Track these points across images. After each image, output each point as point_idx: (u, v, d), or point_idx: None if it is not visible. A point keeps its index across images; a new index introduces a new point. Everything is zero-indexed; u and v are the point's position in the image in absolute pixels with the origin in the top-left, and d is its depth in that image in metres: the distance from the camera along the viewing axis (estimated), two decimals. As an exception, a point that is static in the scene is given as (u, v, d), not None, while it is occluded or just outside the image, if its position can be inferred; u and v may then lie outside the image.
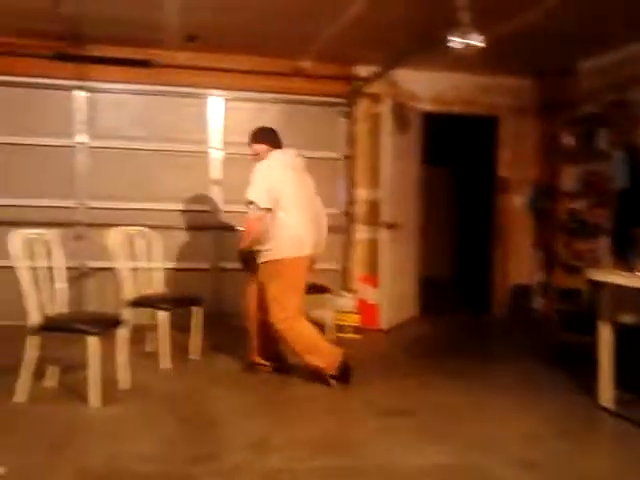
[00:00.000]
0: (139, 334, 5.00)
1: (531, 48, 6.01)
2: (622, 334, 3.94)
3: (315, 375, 4.27)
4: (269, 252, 4.31)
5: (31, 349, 3.72)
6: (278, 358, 4.59)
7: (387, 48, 5.78)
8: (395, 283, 6.48)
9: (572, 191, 6.66)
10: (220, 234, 6.56)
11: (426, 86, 7.01)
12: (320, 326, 6.14)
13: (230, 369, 4.64)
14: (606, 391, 3.93)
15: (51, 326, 3.84)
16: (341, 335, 5.96)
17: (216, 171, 6.62)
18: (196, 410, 3.83)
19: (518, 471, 3.04)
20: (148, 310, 4.87)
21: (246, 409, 3.79)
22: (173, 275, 5.97)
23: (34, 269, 3.82)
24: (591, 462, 3.22)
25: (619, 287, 3.70)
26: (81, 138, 6.31)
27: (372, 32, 5.61)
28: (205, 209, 6.59)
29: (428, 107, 7.05)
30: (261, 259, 4.35)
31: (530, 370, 5.00)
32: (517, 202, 7.37)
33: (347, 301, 6.33)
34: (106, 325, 3.94)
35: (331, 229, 6.82)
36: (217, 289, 6.55)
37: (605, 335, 3.94)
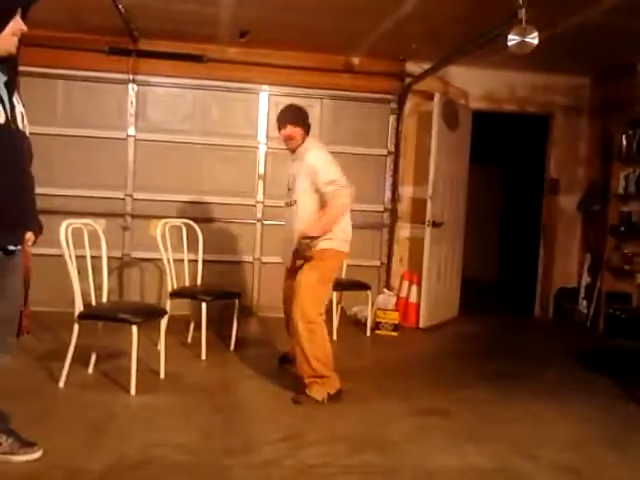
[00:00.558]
0: (180, 325, 5.08)
1: (589, 46, 5.87)
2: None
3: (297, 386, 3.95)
4: (327, 241, 3.93)
5: (74, 336, 3.81)
6: None
7: (440, 45, 5.72)
8: (437, 282, 6.43)
9: (624, 194, 6.48)
10: (263, 227, 6.62)
11: (477, 84, 6.92)
12: (359, 323, 6.20)
13: (267, 362, 4.67)
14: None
15: (95, 314, 3.94)
16: (379, 332, 5.94)
17: (262, 166, 6.67)
18: (232, 402, 3.87)
19: (556, 476, 3.00)
20: (189, 301, 4.94)
21: (281, 403, 3.80)
22: (215, 267, 6.04)
23: (81, 258, 3.90)
24: (632, 472, 3.14)
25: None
26: (132, 131, 6.44)
27: (425, 28, 5.57)
28: (250, 203, 6.64)
29: (479, 105, 6.98)
30: (314, 246, 3.91)
31: (573, 374, 4.90)
32: (567, 203, 7.21)
33: (387, 298, 6.31)
34: (148, 315, 4.00)
35: (374, 226, 6.88)
36: (258, 281, 6.62)
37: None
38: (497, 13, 4.36)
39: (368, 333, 5.90)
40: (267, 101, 6.65)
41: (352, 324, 6.25)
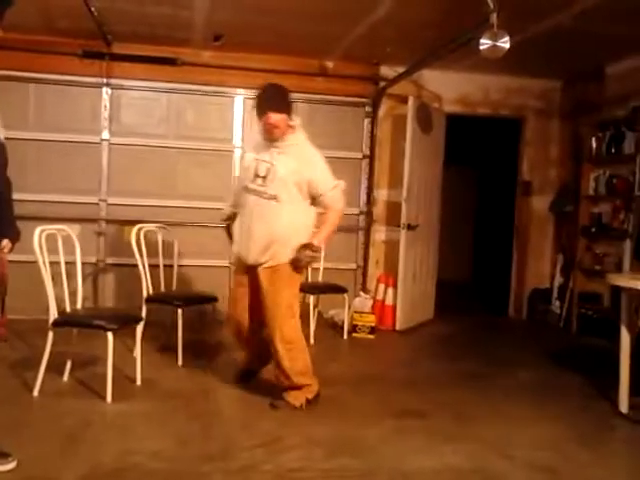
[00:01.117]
0: (156, 331, 5.05)
1: (559, 51, 5.96)
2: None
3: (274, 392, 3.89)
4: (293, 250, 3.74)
5: (49, 344, 3.77)
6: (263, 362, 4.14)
7: (414, 49, 5.76)
8: (413, 284, 6.47)
9: (595, 195, 6.58)
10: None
11: (451, 87, 6.98)
12: (335, 326, 6.21)
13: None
14: (625, 397, 3.89)
15: (69, 321, 3.90)
16: (356, 335, 5.96)
17: (237, 170, 6.65)
18: (209, 408, 3.86)
19: (532, 475, 3.05)
20: (165, 307, 4.91)
21: (258, 409, 3.80)
22: (191, 272, 6.01)
23: (55, 264, 3.86)
24: (606, 470, 3.20)
25: (640, 293, 3.67)
26: (106, 135, 6.38)
27: (399, 32, 5.61)
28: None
29: (453, 108, 7.04)
30: (279, 258, 3.69)
31: (547, 374, 4.97)
32: (539, 204, 7.30)
33: (363, 301, 6.35)
34: (123, 321, 3.97)
35: (350, 229, 6.90)
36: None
37: (625, 340, 3.91)
38: (470, 17, 4.40)
39: (345, 336, 5.91)
40: (242, 104, 6.63)
41: (329, 327, 6.27)
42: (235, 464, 3.00)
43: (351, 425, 3.61)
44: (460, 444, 3.36)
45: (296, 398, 3.77)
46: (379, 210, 6.95)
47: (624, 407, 3.90)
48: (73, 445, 3.12)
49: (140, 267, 4.83)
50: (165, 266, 5.10)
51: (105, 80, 6.30)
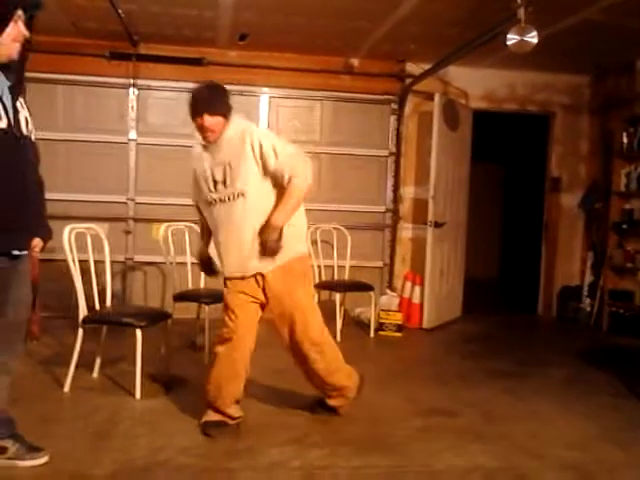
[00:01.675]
0: (185, 328, 5.09)
1: (587, 45, 5.88)
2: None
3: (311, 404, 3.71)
4: (298, 243, 3.39)
5: (79, 341, 3.82)
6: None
7: (439, 45, 5.73)
8: (440, 282, 6.43)
9: (626, 191, 6.48)
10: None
11: (477, 83, 6.93)
12: (362, 324, 6.20)
13: (274, 363, 4.65)
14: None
15: (98, 319, 3.95)
16: (382, 333, 5.94)
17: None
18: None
19: (562, 475, 3.01)
20: (193, 304, 4.95)
21: (287, 405, 3.80)
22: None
23: (84, 263, 3.92)
24: (637, 469, 3.14)
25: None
26: (133, 135, 6.45)
27: (425, 29, 5.59)
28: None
29: (479, 105, 6.99)
30: (286, 254, 3.28)
31: (577, 372, 4.90)
32: (568, 201, 7.21)
33: (390, 299, 6.32)
34: (152, 319, 4.01)
35: (376, 227, 6.88)
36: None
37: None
38: (496, 13, 4.37)
39: (372, 334, 5.90)
40: (268, 103, 6.66)
41: (355, 325, 6.26)
42: (263, 461, 3.01)
43: (379, 423, 3.60)
44: (489, 443, 3.33)
45: (342, 404, 3.60)
46: (405, 208, 6.92)
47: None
48: (103, 441, 3.16)
49: (168, 265, 4.88)
50: (193, 264, 5.12)
51: (132, 81, 6.37)
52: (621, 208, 6.55)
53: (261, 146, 3.19)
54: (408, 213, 6.92)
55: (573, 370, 4.97)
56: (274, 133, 3.54)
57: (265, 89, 6.64)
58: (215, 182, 3.30)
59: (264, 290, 3.32)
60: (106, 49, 6.18)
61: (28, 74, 5.67)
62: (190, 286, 5.06)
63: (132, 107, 6.43)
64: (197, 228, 5.09)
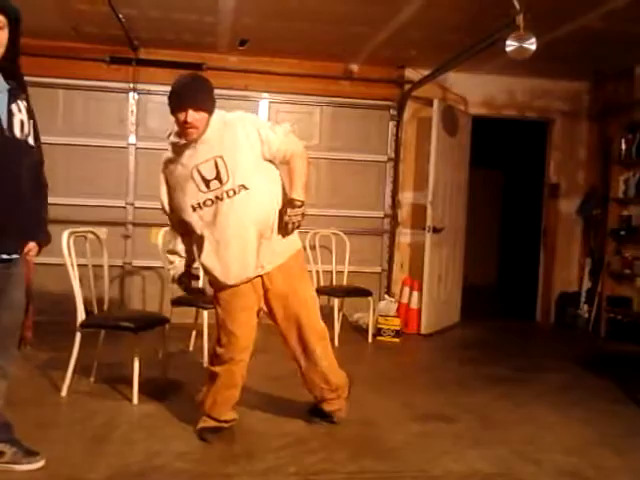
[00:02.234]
0: (183, 333, 5.08)
1: (587, 51, 5.90)
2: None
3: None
4: (293, 237, 3.28)
5: (77, 345, 3.82)
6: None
7: (439, 51, 5.75)
8: (438, 288, 6.43)
9: (624, 197, 6.49)
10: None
11: (477, 89, 6.95)
12: (360, 329, 6.20)
13: (270, 368, 4.66)
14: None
15: (97, 323, 3.95)
16: (381, 339, 5.94)
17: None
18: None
19: (559, 482, 3.00)
20: (191, 309, 4.94)
21: (283, 412, 3.80)
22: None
23: (82, 267, 3.91)
24: (635, 476, 3.13)
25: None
26: (133, 139, 6.46)
27: (424, 35, 5.61)
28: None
29: (478, 111, 7.00)
30: (285, 252, 3.23)
31: (575, 378, 4.90)
32: (567, 207, 7.22)
33: (388, 305, 6.33)
34: (150, 323, 4.00)
35: (374, 232, 6.89)
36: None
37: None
38: (496, 19, 4.39)
39: (370, 339, 5.90)
40: (267, 108, 6.67)
41: (353, 330, 6.26)
42: (260, 466, 3.00)
43: (376, 428, 3.59)
44: (487, 448, 3.32)
45: (340, 407, 3.50)
46: (404, 213, 6.93)
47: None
48: (100, 445, 3.16)
49: (166, 270, 4.87)
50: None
51: (132, 85, 6.39)
52: (619, 214, 6.56)
53: (259, 134, 3.07)
54: (406, 218, 6.92)
55: (571, 376, 4.97)
56: (249, 115, 3.32)
57: (265, 94, 6.65)
58: (206, 181, 3.07)
59: (265, 294, 3.24)
60: (106, 54, 6.20)
61: (28, 78, 5.70)
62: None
63: (132, 112, 6.45)
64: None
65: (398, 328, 6.01)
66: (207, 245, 3.15)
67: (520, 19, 4.15)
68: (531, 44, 4.20)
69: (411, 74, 6.75)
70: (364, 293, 5.86)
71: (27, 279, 2.67)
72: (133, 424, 3.53)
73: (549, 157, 7.28)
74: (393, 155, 6.91)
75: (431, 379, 4.77)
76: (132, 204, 6.46)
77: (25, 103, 2.63)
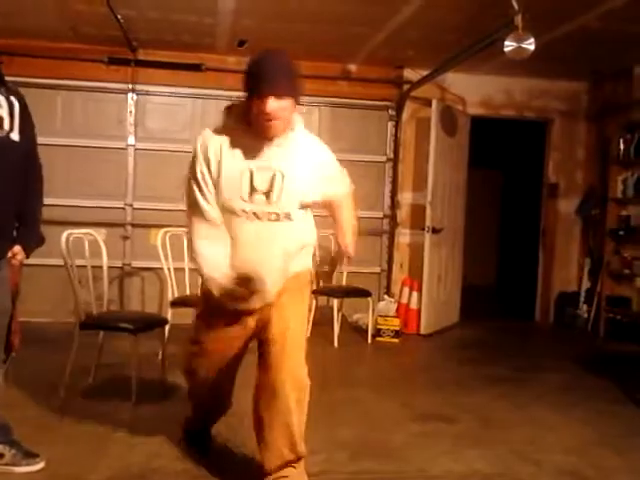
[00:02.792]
0: (182, 334, 5.07)
1: (585, 52, 5.91)
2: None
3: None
4: (307, 258, 2.81)
5: (76, 346, 3.81)
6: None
7: (437, 51, 5.76)
8: (438, 288, 6.43)
9: (623, 197, 6.49)
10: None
11: (475, 90, 6.95)
12: (360, 330, 6.19)
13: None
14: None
15: (96, 324, 3.93)
16: (380, 339, 5.94)
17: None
18: (234, 410, 3.85)
19: (559, 482, 3.00)
20: (190, 310, 4.94)
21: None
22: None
23: (81, 268, 3.91)
24: (635, 476, 3.14)
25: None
26: (132, 140, 6.46)
27: (423, 35, 5.61)
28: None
29: (477, 111, 7.01)
30: (302, 265, 2.76)
31: (575, 378, 4.91)
32: (566, 207, 7.22)
33: (388, 305, 6.32)
34: (149, 324, 4.00)
35: (374, 232, 6.88)
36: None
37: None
38: (494, 20, 4.39)
39: (369, 340, 5.90)
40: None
41: (353, 331, 6.26)
42: (260, 467, 2.99)
43: (376, 428, 3.59)
44: (486, 449, 3.33)
45: (301, 474, 2.66)
46: (403, 213, 6.93)
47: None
48: (99, 447, 3.15)
49: (166, 271, 4.87)
50: (190, 270, 5.12)
51: (130, 86, 6.39)
52: (618, 214, 6.57)
53: (329, 167, 2.70)
54: (406, 219, 6.93)
55: (570, 376, 4.97)
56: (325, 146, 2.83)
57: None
58: (253, 189, 2.51)
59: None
60: (105, 54, 6.19)
61: (27, 79, 5.71)
62: (188, 292, 5.05)
63: (131, 112, 6.44)
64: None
65: (397, 328, 6.01)
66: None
67: (518, 19, 4.15)
68: (529, 44, 4.21)
69: (410, 74, 6.75)
70: (363, 293, 5.86)
71: (13, 284, 2.60)
72: (132, 425, 3.51)
73: (548, 157, 7.29)
74: (392, 155, 6.91)
75: (431, 379, 4.77)
76: (131, 205, 6.46)
77: (3, 98, 2.53)
